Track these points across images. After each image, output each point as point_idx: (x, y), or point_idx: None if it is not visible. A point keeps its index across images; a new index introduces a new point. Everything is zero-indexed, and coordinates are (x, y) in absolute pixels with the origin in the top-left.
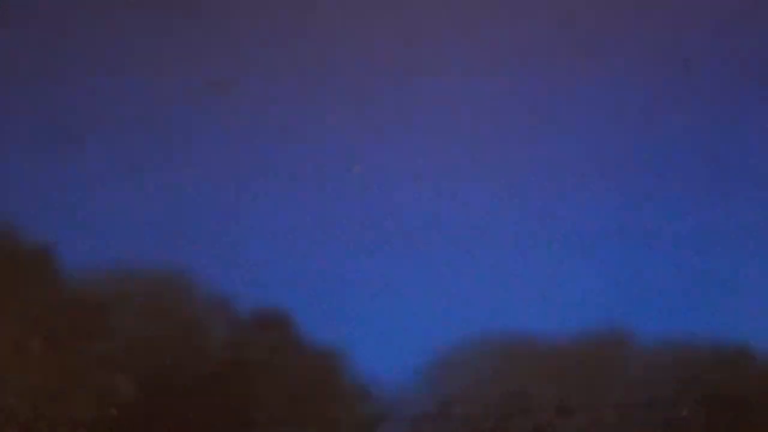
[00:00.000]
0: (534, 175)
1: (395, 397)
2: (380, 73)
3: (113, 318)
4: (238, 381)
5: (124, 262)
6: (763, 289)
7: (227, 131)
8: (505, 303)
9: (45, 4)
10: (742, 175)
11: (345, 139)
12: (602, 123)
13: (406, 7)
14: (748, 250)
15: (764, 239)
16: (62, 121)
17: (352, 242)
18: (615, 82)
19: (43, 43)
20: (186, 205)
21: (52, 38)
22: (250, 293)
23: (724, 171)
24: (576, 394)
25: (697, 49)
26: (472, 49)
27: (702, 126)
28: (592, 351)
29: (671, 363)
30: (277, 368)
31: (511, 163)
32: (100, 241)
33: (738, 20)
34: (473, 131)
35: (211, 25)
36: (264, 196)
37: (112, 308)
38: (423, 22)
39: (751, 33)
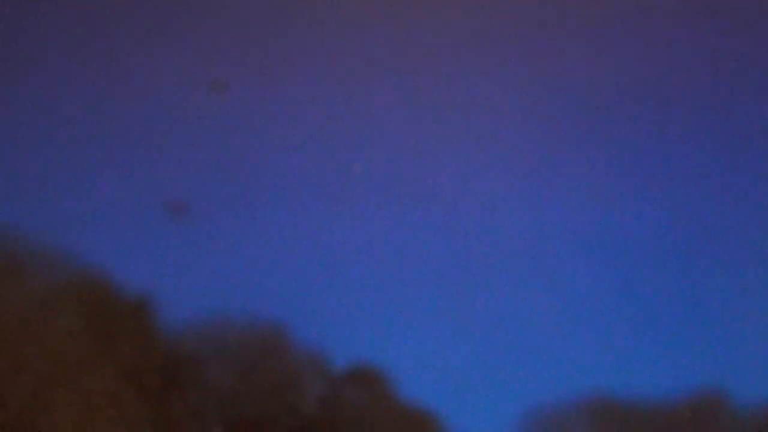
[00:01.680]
0: (626, 245)
1: None
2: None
3: (207, 370)
4: None
5: (219, 314)
6: None
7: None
8: (604, 365)
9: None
10: None
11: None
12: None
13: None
14: None
15: None
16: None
17: (451, 302)
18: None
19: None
20: (283, 259)
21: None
22: (346, 348)
23: None
24: None
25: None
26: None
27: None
28: (689, 416)
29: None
30: (371, 424)
31: (600, 229)
32: (197, 292)
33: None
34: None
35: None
36: (360, 252)
37: (206, 361)
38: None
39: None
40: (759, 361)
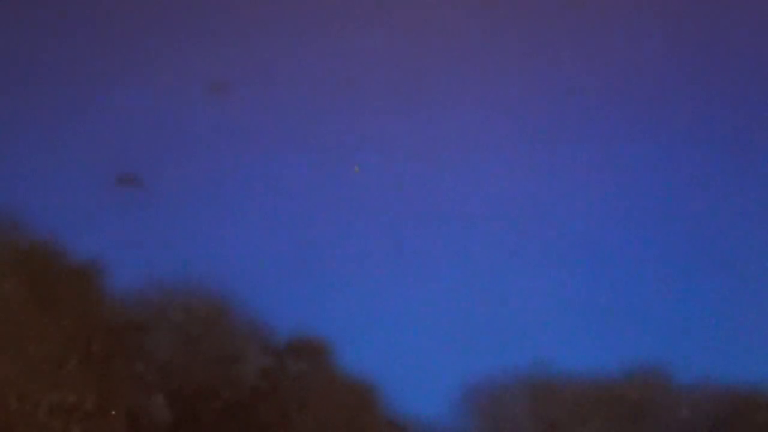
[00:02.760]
0: (564, 214)
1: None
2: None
3: (151, 339)
4: (272, 409)
5: (165, 284)
6: None
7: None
8: (544, 338)
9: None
10: None
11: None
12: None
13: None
14: None
15: None
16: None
17: (393, 276)
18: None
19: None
20: (228, 231)
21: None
22: (288, 321)
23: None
24: None
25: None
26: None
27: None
28: (630, 390)
29: (710, 407)
30: (312, 391)
31: (555, 197)
32: (143, 262)
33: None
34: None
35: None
36: (314, 226)
37: (150, 330)
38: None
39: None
40: (699, 340)
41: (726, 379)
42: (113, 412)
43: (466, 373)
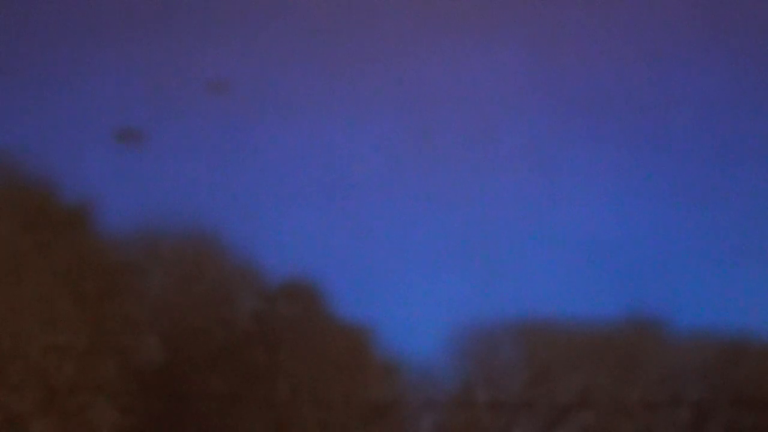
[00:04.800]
0: (565, 165)
1: (421, 376)
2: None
3: (143, 280)
4: (263, 351)
5: (156, 224)
6: None
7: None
8: (534, 285)
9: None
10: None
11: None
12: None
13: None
14: None
15: None
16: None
17: (384, 217)
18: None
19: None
20: (218, 172)
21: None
22: (280, 262)
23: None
24: (601, 383)
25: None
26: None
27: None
28: (620, 339)
29: (700, 359)
30: (303, 340)
31: (537, 155)
32: (135, 202)
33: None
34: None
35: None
36: (303, 165)
37: (142, 270)
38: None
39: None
40: (693, 289)
41: (719, 326)
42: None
43: (459, 316)
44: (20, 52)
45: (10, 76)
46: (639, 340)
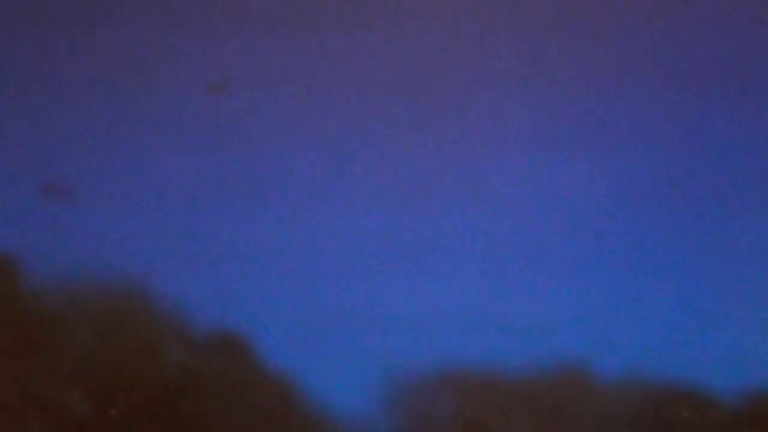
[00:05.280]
0: (505, 197)
1: (353, 428)
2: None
3: (68, 332)
4: (192, 403)
5: (81, 274)
6: (728, 328)
7: (202, 140)
8: (468, 332)
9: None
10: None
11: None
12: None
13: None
14: (722, 286)
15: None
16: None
17: (316, 265)
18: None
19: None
20: (149, 219)
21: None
22: (209, 313)
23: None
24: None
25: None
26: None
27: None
28: (554, 386)
29: (632, 402)
30: (233, 391)
31: (480, 184)
32: (60, 251)
33: None
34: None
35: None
36: (229, 213)
37: (65, 321)
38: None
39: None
40: (625, 334)
41: (649, 375)
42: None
43: (387, 366)
44: None
45: None
46: (570, 389)
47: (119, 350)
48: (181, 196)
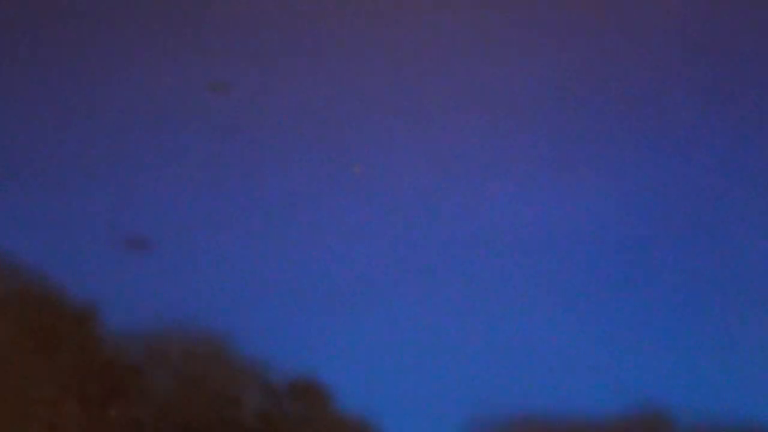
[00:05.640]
0: (567, 248)
1: None
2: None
3: (148, 380)
4: None
5: (163, 324)
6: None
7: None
8: (540, 380)
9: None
10: None
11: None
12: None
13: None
14: None
15: None
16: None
17: (392, 317)
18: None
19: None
20: (224, 274)
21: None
22: (288, 359)
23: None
24: None
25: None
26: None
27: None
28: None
29: None
30: None
31: (549, 235)
32: (141, 302)
33: None
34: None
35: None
36: (312, 266)
37: (148, 371)
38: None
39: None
40: (701, 378)
41: (727, 421)
42: None
43: (467, 413)
44: (31, 156)
45: (15, 179)
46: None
47: (200, 397)
48: (257, 245)
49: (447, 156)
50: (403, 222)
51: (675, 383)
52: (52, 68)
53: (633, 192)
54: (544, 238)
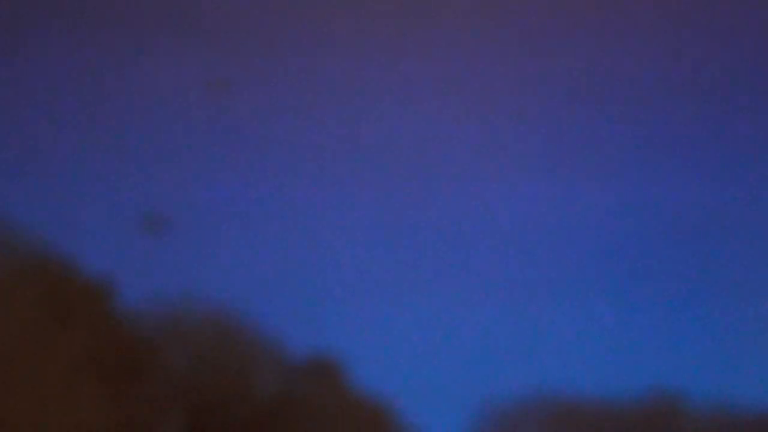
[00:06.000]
0: (582, 231)
1: None
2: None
3: (165, 356)
4: (285, 424)
5: (179, 300)
6: None
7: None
8: (555, 361)
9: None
10: None
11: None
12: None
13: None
14: None
15: None
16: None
17: (411, 295)
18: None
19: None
20: (243, 246)
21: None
22: (304, 337)
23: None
24: None
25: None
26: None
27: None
28: (639, 413)
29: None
30: (325, 412)
31: (561, 221)
32: (157, 278)
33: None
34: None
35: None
36: (330, 243)
37: (164, 346)
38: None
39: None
40: (716, 362)
41: (742, 404)
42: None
43: (481, 393)
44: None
45: (36, 156)
46: (660, 417)
47: (216, 375)
48: (274, 224)
49: (453, 147)
50: (422, 206)
51: (686, 367)
52: (67, 43)
53: (636, 180)
54: (556, 224)
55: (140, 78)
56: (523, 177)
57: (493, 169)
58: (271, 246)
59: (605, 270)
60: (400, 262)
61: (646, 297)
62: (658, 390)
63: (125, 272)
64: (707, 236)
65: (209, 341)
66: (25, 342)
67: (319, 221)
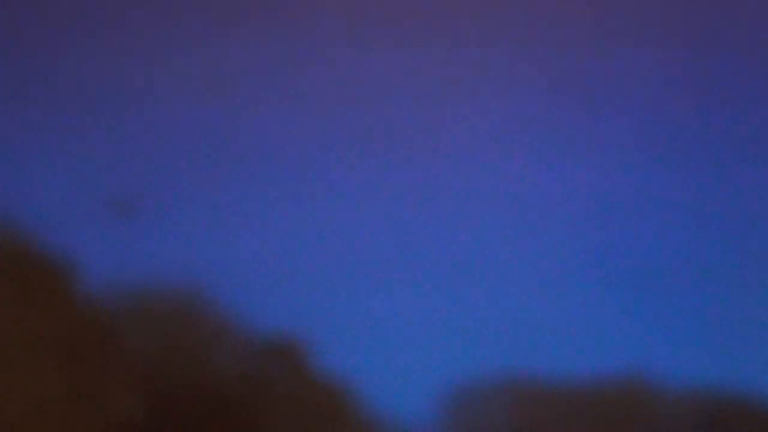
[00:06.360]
0: (555, 210)
1: None
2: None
3: (126, 338)
4: (247, 407)
5: (140, 281)
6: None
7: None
8: (524, 341)
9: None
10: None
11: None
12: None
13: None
14: None
15: None
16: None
17: (373, 274)
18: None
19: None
20: (204, 226)
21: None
22: (269, 320)
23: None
24: None
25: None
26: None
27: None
28: (611, 395)
29: (693, 412)
30: (287, 395)
31: (530, 200)
32: (118, 261)
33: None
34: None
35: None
36: (290, 223)
37: (125, 328)
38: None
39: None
40: (692, 344)
41: (714, 385)
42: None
43: (451, 376)
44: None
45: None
46: (631, 397)
47: (174, 356)
48: (241, 204)
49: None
50: (389, 186)
51: (661, 348)
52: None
53: (626, 159)
54: (530, 205)
55: (113, 60)
56: (494, 157)
57: (459, 147)
58: (237, 228)
59: (578, 251)
60: (368, 243)
61: (619, 277)
62: (632, 371)
63: (89, 253)
64: (683, 218)
65: (172, 323)
66: None
67: (286, 203)
